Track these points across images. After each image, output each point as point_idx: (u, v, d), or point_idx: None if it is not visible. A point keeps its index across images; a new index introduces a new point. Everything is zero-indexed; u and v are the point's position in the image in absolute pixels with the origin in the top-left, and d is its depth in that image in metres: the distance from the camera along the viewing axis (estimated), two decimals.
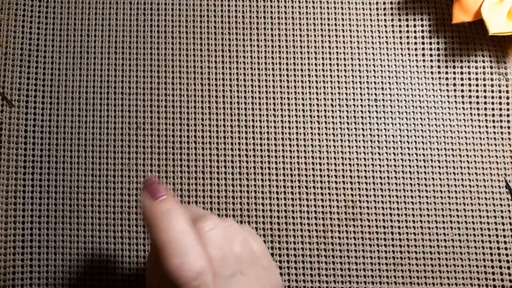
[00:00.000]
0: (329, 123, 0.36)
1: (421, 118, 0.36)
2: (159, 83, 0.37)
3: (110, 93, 0.37)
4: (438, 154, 0.35)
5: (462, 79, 0.36)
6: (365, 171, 0.35)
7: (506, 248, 0.34)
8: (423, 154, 0.35)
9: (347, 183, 0.35)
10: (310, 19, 0.38)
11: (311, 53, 0.37)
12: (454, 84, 0.36)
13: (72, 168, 0.35)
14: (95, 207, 0.35)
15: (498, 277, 0.34)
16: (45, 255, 0.34)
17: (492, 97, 0.36)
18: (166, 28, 0.37)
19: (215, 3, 0.38)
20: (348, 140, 0.36)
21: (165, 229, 0.21)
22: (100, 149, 0.36)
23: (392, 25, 0.37)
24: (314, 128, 0.36)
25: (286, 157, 0.36)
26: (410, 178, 0.35)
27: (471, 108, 0.36)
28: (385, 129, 0.36)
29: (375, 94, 0.36)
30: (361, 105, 0.36)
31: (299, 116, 0.36)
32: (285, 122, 0.36)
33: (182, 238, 0.21)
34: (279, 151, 0.36)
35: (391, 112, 0.36)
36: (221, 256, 0.22)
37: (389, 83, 0.36)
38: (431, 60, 0.37)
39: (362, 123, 0.36)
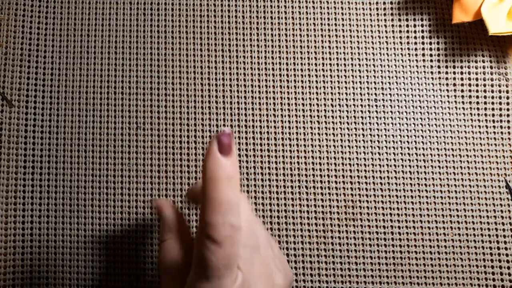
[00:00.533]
0: (329, 123, 0.36)
1: (421, 118, 0.36)
2: (159, 83, 0.37)
3: (110, 93, 0.37)
4: (438, 154, 0.35)
5: (462, 79, 0.36)
6: (365, 171, 0.35)
7: (506, 248, 0.34)
8: (423, 154, 0.35)
9: (347, 183, 0.35)
10: (310, 19, 0.38)
11: (311, 53, 0.37)
12: (454, 84, 0.36)
13: (72, 168, 0.36)
14: (95, 207, 0.35)
15: (498, 277, 0.34)
16: (45, 255, 0.34)
17: (492, 97, 0.36)
18: (166, 28, 0.37)
19: (215, 3, 0.38)
20: (348, 140, 0.36)
21: (222, 190, 0.23)
22: (100, 149, 0.36)
23: (392, 25, 0.37)
24: (314, 128, 0.36)
25: (286, 157, 0.36)
26: (410, 178, 0.35)
27: (471, 108, 0.36)
28: (385, 129, 0.36)
29: (375, 94, 0.36)
30: (361, 105, 0.36)
31: (299, 116, 0.36)
32: (285, 122, 0.36)
33: (232, 201, 0.23)
34: (279, 151, 0.36)
35: (391, 112, 0.36)
36: (248, 228, 0.24)
37: (389, 83, 0.36)
38: (431, 60, 0.37)
39: (362, 123, 0.36)
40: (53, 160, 0.36)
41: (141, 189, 0.35)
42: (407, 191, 0.35)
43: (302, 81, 0.37)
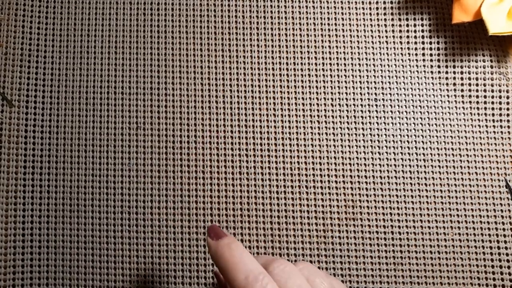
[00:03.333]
0: (329, 123, 0.36)
1: (421, 118, 0.36)
2: (159, 83, 0.37)
3: (110, 93, 0.37)
4: (438, 154, 0.35)
5: (462, 79, 0.36)
6: (365, 171, 0.35)
7: (506, 248, 0.34)
8: (423, 154, 0.35)
9: (347, 183, 0.35)
10: (310, 19, 0.38)
11: (311, 53, 0.37)
12: (454, 84, 0.36)
13: (72, 168, 0.36)
14: (95, 207, 0.35)
15: (498, 276, 0.34)
16: (45, 255, 0.34)
17: (492, 97, 0.36)
18: (166, 28, 0.37)
19: (215, 3, 0.38)
20: (348, 140, 0.36)
21: (230, 256, 0.23)
22: (100, 149, 0.36)
23: (392, 25, 0.37)
24: (314, 128, 0.36)
25: (286, 157, 0.36)
26: (410, 178, 0.35)
27: (471, 108, 0.36)
28: (385, 129, 0.36)
29: (375, 94, 0.36)
30: (361, 105, 0.36)
31: (299, 116, 0.36)
32: (285, 122, 0.36)
33: (244, 257, 0.23)
34: (279, 151, 0.36)
35: (391, 112, 0.36)
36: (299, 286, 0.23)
37: (389, 83, 0.36)
38: (431, 60, 0.37)
39: (362, 123, 0.36)
40: (53, 160, 0.36)
41: (141, 189, 0.35)
42: (407, 191, 0.35)
43: (302, 81, 0.37)
